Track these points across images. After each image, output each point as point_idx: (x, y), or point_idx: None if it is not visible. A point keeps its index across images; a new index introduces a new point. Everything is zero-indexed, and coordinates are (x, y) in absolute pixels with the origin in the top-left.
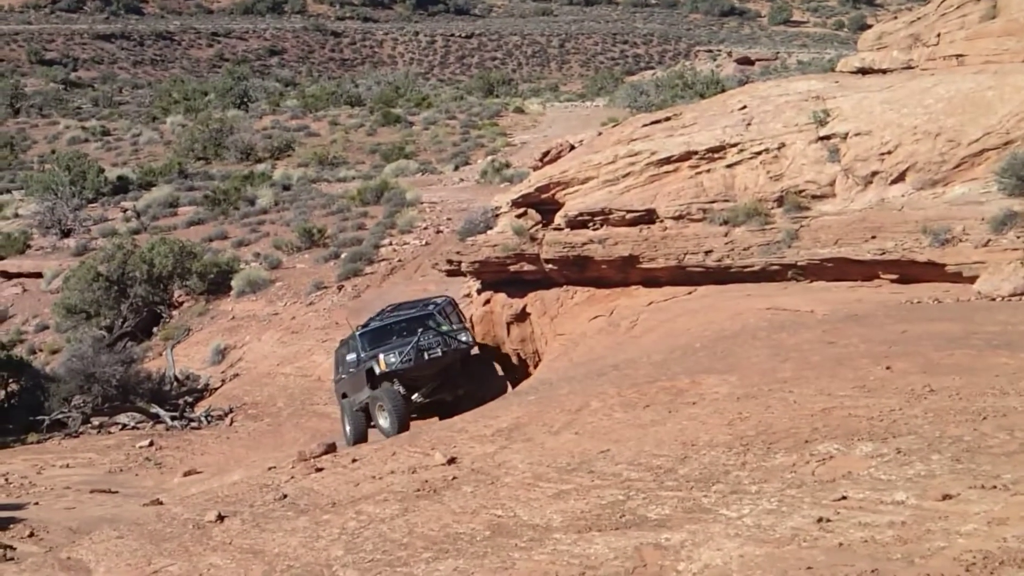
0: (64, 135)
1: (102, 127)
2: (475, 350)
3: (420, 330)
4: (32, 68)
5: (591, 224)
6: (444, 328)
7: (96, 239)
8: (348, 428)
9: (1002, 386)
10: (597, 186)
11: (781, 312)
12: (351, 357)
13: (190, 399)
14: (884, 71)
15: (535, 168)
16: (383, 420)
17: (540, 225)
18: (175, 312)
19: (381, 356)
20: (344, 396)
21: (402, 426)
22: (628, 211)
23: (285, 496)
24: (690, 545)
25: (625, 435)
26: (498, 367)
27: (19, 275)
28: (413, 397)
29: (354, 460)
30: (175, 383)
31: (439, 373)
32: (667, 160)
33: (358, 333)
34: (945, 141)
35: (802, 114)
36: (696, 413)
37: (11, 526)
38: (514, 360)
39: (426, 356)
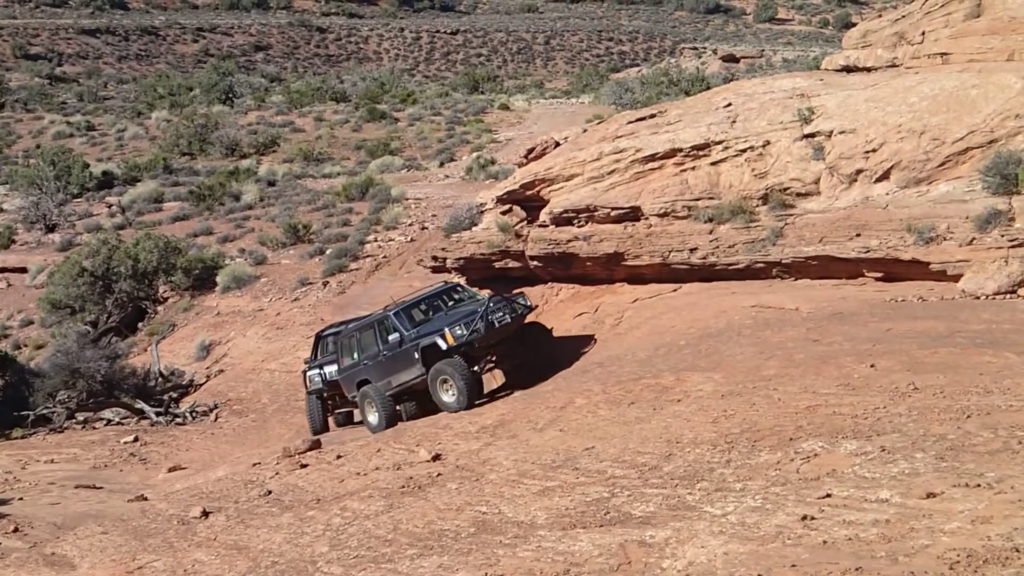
0: (49, 130)
1: (87, 122)
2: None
3: (488, 297)
4: (16, 63)
5: (576, 221)
6: (480, 298)
7: (81, 234)
8: (375, 416)
9: (986, 384)
10: (582, 183)
11: (766, 310)
12: (394, 338)
13: (175, 395)
14: (869, 69)
15: (520, 165)
16: (448, 396)
17: (525, 222)
18: (160, 308)
19: (447, 330)
20: (364, 383)
21: (471, 400)
22: (613, 208)
23: (270, 492)
24: (675, 542)
25: (610, 432)
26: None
27: (3, 270)
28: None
29: (339, 456)
30: (160, 379)
31: (499, 343)
32: (652, 157)
33: (392, 312)
34: (929, 139)
35: (787, 112)
36: (681, 411)
37: None
38: None
39: (496, 324)
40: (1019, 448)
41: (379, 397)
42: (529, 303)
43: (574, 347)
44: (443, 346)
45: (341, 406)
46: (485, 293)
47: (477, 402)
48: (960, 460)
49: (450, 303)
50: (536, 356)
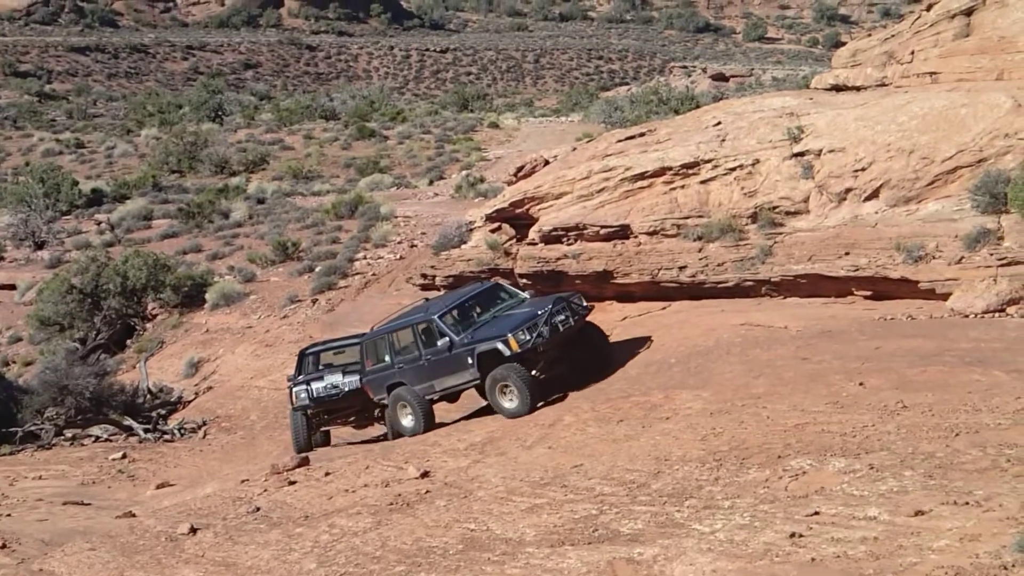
0: (38, 147)
1: (76, 139)
2: None
3: (551, 302)
4: (6, 80)
5: (565, 239)
6: (523, 297)
7: (70, 251)
8: (410, 419)
9: (975, 403)
10: (571, 201)
11: (755, 328)
12: (443, 341)
13: (163, 412)
14: (858, 88)
15: (510, 183)
16: (509, 402)
17: (514, 240)
18: (149, 325)
19: (511, 335)
20: (396, 386)
21: (533, 405)
22: (602, 226)
23: (258, 509)
24: (663, 560)
25: (599, 450)
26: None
27: None
28: (531, 374)
29: (327, 473)
30: (148, 396)
31: (560, 345)
32: (641, 176)
33: (437, 316)
34: (919, 158)
35: (776, 130)
36: (670, 428)
37: None
38: None
39: (560, 328)
40: (1007, 466)
41: (417, 401)
42: (586, 304)
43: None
44: (506, 352)
45: (325, 424)
46: (526, 293)
47: (539, 406)
48: (949, 478)
49: (494, 304)
50: (593, 357)
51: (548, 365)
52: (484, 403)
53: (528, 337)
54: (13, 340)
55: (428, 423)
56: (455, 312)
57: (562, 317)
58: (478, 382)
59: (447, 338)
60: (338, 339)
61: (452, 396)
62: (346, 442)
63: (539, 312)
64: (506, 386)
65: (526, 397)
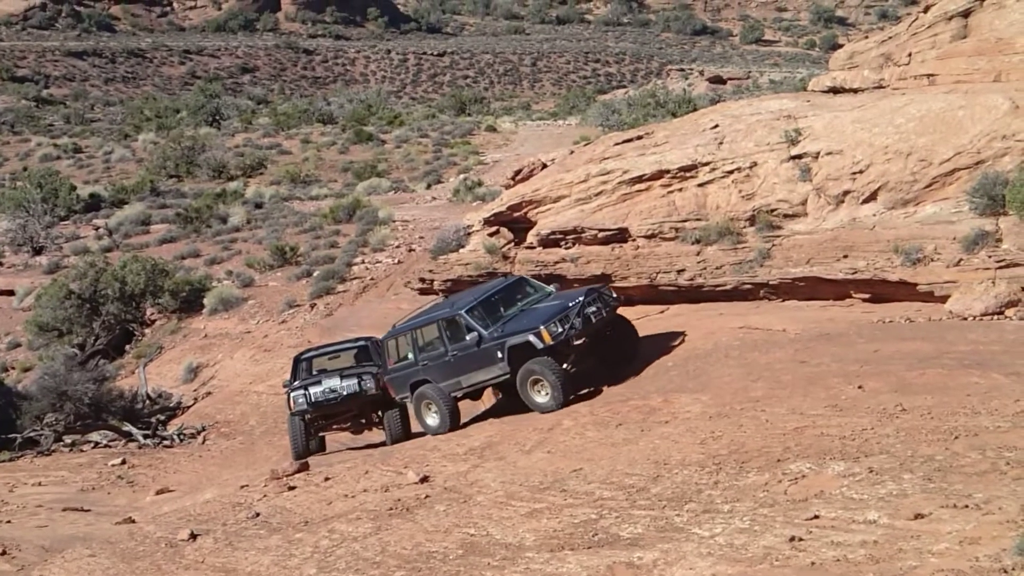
0: (36, 152)
1: (74, 144)
2: None
3: (583, 293)
4: (3, 85)
5: (563, 243)
6: (548, 291)
7: (68, 257)
8: (435, 417)
9: (974, 405)
10: (569, 205)
11: (753, 331)
12: (471, 336)
13: (162, 417)
14: (855, 90)
15: (507, 187)
16: (541, 397)
17: (512, 243)
18: (147, 330)
19: (543, 328)
20: (420, 383)
21: (566, 399)
22: (600, 230)
23: (258, 514)
24: (662, 564)
25: (598, 454)
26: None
27: None
28: (563, 367)
29: (327, 479)
30: (147, 401)
31: (590, 337)
32: (639, 179)
33: (464, 311)
34: (916, 160)
35: (774, 133)
36: (669, 432)
37: None
38: None
39: (593, 319)
40: (1007, 469)
41: (442, 398)
42: (615, 295)
43: None
44: (539, 345)
45: (323, 428)
46: (552, 286)
47: (571, 398)
48: (948, 481)
49: (520, 298)
50: (622, 350)
51: (579, 358)
52: (483, 408)
53: (561, 329)
54: (12, 346)
55: (454, 421)
56: (482, 306)
57: (594, 308)
58: (508, 376)
59: (475, 332)
60: (333, 344)
61: (476, 393)
62: (345, 447)
63: (570, 304)
64: (538, 380)
65: (559, 391)
